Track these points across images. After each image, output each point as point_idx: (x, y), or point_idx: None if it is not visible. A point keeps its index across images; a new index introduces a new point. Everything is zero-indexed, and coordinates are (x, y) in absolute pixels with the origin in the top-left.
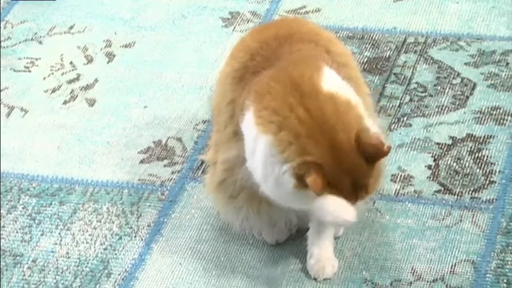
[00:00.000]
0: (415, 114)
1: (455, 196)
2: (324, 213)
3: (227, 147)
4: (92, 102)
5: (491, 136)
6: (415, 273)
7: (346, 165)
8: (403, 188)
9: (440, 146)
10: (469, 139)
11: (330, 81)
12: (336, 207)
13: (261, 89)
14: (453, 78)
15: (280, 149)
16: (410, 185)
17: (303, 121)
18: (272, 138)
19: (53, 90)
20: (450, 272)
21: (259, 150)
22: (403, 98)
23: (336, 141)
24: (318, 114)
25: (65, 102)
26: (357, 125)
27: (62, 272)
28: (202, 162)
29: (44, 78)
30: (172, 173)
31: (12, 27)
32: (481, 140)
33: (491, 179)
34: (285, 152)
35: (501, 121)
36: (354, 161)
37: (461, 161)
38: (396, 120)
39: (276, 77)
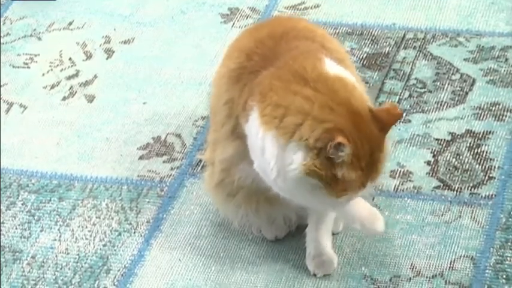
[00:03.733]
0: (414, 110)
1: (455, 192)
2: (354, 221)
3: (224, 146)
4: (91, 99)
5: (490, 132)
6: (414, 269)
7: (364, 131)
8: (402, 184)
9: (439, 141)
10: (468, 135)
11: (334, 68)
12: (366, 216)
13: (264, 88)
14: (452, 74)
15: (287, 136)
16: (410, 180)
17: (311, 98)
18: (275, 132)
19: (52, 86)
20: (449, 267)
21: (268, 148)
22: (402, 94)
23: (352, 108)
24: (327, 90)
25: (64, 99)
26: (367, 101)
27: (61, 268)
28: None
29: (43, 75)
30: (172, 169)
31: (11, 23)
32: (480, 136)
33: (491, 175)
34: (295, 134)
35: (500, 117)
36: (371, 129)
37: (461, 157)
38: None
39: (277, 75)
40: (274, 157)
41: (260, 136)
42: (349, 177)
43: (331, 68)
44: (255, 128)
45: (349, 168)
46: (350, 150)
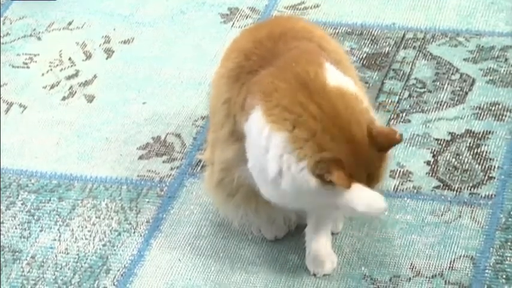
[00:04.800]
0: (414, 110)
1: (454, 192)
2: (356, 205)
3: (224, 147)
4: (90, 98)
5: (490, 132)
6: (414, 269)
7: (362, 158)
8: (402, 184)
9: (439, 141)
10: (468, 135)
11: (335, 77)
12: (367, 198)
13: (267, 88)
14: (452, 74)
15: (296, 146)
16: (409, 180)
17: (317, 118)
18: (288, 135)
19: (52, 86)
20: (449, 267)
21: (274, 147)
22: (402, 94)
23: (351, 135)
24: (329, 110)
25: (63, 98)
26: (367, 118)
27: (61, 268)
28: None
29: (43, 74)
30: (171, 169)
31: (11, 23)
32: (480, 136)
33: (490, 175)
34: (302, 149)
35: (500, 117)
36: (369, 154)
37: (460, 157)
38: (395, 116)
39: (279, 75)
40: (278, 156)
41: (265, 135)
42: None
43: (332, 76)
44: (257, 126)
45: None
46: (348, 186)
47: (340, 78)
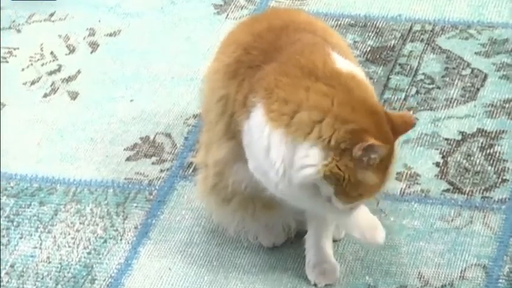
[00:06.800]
0: (422, 108)
1: (465, 195)
2: (351, 229)
3: (218, 146)
4: (74, 95)
5: (503, 131)
6: (422, 279)
7: (384, 133)
8: (409, 187)
9: (449, 141)
10: (480, 134)
11: (344, 64)
12: (366, 227)
13: (269, 84)
14: (462, 68)
15: (301, 134)
16: (417, 183)
17: (328, 94)
18: (285, 130)
19: (33, 83)
20: (460, 277)
21: (275, 147)
22: (409, 90)
23: (371, 108)
24: (341, 86)
25: (45, 95)
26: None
27: (42, 278)
28: None
29: (23, 70)
30: (161, 171)
31: None
32: (492, 135)
33: (504, 177)
34: (313, 132)
35: None
36: (389, 131)
37: (472, 158)
38: None
39: (283, 70)
40: (281, 156)
41: (266, 134)
42: (372, 181)
43: (341, 63)
44: (258, 125)
45: (374, 170)
46: (384, 150)
47: (350, 66)
